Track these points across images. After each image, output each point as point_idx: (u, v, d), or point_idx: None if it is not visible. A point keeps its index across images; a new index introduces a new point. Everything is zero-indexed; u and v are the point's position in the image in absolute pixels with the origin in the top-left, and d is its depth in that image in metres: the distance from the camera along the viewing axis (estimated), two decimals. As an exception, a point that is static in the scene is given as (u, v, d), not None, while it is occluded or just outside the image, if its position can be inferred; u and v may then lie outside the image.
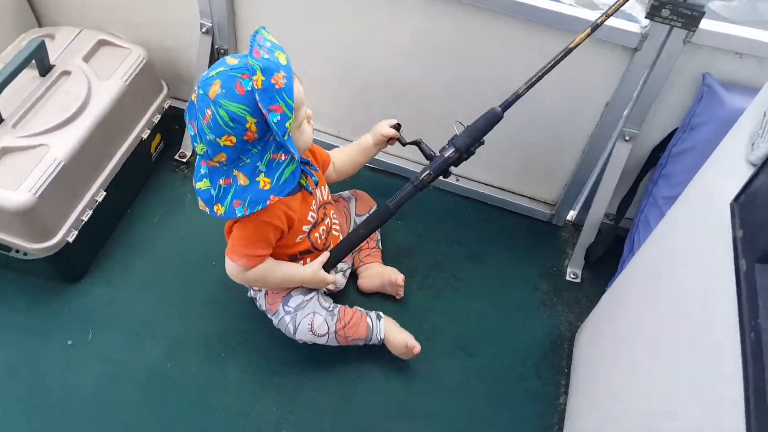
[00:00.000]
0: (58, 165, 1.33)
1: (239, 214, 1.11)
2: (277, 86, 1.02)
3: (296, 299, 1.36)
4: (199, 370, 1.39)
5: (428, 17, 1.43)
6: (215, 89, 1.03)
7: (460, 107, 1.58)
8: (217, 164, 1.11)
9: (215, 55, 1.70)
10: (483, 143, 1.31)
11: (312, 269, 1.33)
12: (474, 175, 1.76)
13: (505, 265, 1.65)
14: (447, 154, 1.29)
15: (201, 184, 1.16)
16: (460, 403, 1.40)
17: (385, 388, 1.40)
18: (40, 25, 1.84)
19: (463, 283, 1.60)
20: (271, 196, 1.11)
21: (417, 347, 1.37)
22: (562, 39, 1.34)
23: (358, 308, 1.42)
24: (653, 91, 1.34)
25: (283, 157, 1.11)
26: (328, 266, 1.36)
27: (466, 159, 1.31)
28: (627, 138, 1.45)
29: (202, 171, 1.16)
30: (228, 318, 1.48)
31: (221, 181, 1.12)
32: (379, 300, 1.54)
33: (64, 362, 1.38)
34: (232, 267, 1.24)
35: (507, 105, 1.26)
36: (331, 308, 1.38)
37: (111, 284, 1.52)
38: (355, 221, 1.59)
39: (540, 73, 1.22)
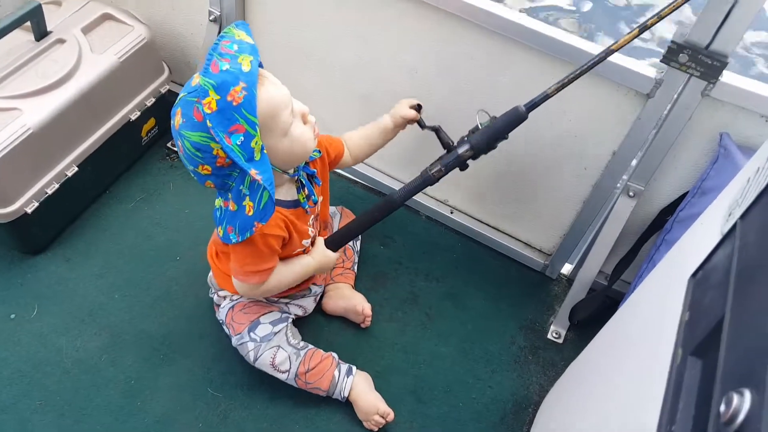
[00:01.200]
0: (26, 131, 1.29)
1: (233, 241, 1.03)
2: (234, 103, 0.89)
3: (264, 328, 1.26)
4: (132, 367, 1.31)
5: (437, 39, 1.34)
6: (178, 119, 0.97)
7: (462, 127, 1.47)
8: (212, 188, 1.05)
9: (221, 47, 1.65)
10: (506, 138, 1.16)
11: (320, 255, 1.22)
12: (469, 210, 1.64)
13: (485, 311, 1.51)
14: (461, 150, 1.16)
15: (217, 202, 1.10)
16: (398, 454, 1.27)
17: (324, 429, 1.28)
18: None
19: (434, 323, 1.47)
20: (255, 223, 1.00)
21: (390, 415, 1.26)
22: (565, 68, 1.22)
23: (333, 355, 1.30)
24: (664, 145, 1.20)
25: (260, 179, 0.97)
26: (332, 248, 1.25)
27: (486, 153, 1.18)
28: (631, 194, 1.31)
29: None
30: (177, 319, 1.40)
31: (222, 203, 1.06)
32: (340, 325, 1.43)
33: (0, 335, 1.33)
34: (243, 287, 1.16)
35: (533, 105, 1.10)
36: (299, 347, 1.28)
37: (69, 264, 1.46)
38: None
39: (573, 75, 1.07)
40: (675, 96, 1.13)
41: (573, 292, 1.47)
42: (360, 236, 1.53)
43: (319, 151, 1.21)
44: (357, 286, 1.49)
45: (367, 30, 1.43)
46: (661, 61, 1.08)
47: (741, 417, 0.39)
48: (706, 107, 1.13)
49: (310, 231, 1.19)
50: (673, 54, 1.05)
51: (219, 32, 1.62)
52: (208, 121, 0.89)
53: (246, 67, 0.91)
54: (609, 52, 1.05)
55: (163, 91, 1.65)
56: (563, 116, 1.29)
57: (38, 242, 1.46)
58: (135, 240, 1.53)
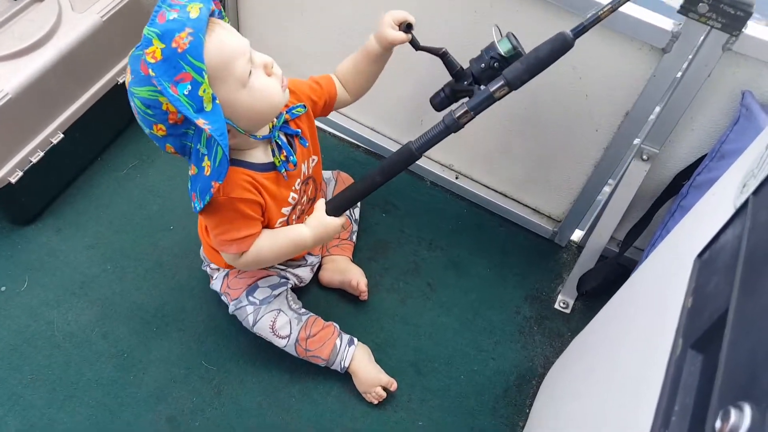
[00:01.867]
0: (3, 97, 1.23)
1: (198, 208, 0.97)
2: (179, 50, 0.82)
3: (263, 291, 1.21)
4: (125, 340, 1.28)
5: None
6: (128, 77, 0.90)
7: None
8: (173, 154, 0.98)
9: None
10: (492, 102, 0.98)
11: (317, 223, 1.07)
12: (475, 175, 1.56)
13: (489, 280, 1.45)
14: (494, 88, 0.95)
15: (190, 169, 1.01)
16: (392, 429, 1.23)
17: (321, 402, 1.24)
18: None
19: (436, 293, 1.42)
20: (213, 183, 0.93)
21: (393, 384, 1.22)
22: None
23: (335, 325, 1.25)
24: (681, 105, 1.11)
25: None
26: (335, 213, 1.08)
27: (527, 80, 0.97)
28: (645, 157, 1.22)
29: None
30: (170, 290, 1.36)
31: (188, 170, 1.00)
32: (339, 296, 1.38)
33: (-9, 308, 1.31)
34: (229, 258, 1.08)
35: (581, 29, 0.92)
36: (300, 311, 1.23)
37: (60, 234, 1.43)
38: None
39: None
40: (693, 51, 1.03)
41: (582, 260, 1.40)
42: (359, 205, 1.47)
43: (304, 106, 1.10)
44: (356, 255, 1.43)
45: (360, 9, 1.33)
46: (678, 11, 0.98)
47: (740, 438, 0.33)
48: (728, 63, 1.03)
49: (291, 198, 1.10)
50: (691, 3, 0.95)
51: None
52: (151, 70, 0.83)
53: (194, 14, 0.85)
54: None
55: (153, 52, 1.58)
56: (573, 73, 1.20)
57: (27, 212, 1.42)
58: (127, 209, 1.48)
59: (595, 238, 1.35)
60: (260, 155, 1.04)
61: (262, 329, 1.19)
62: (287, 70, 0.99)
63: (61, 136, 1.39)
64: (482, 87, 0.98)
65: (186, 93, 0.84)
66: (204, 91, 0.85)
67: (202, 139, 0.93)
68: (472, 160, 1.54)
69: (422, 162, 1.50)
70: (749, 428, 0.32)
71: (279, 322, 1.19)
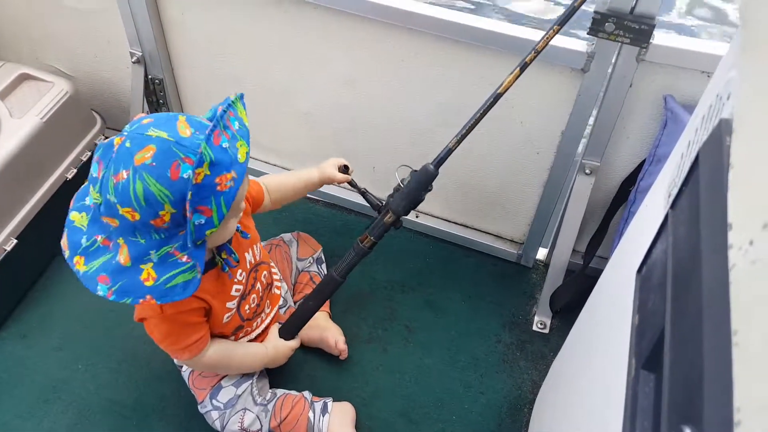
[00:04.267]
0: (-51, 216, 1.22)
1: (100, 293, 0.87)
2: (219, 187, 0.83)
3: (227, 392, 1.19)
4: (106, 440, 1.25)
5: (361, 44, 1.29)
6: (145, 156, 0.81)
7: (409, 135, 1.42)
8: (105, 222, 0.89)
9: (150, 86, 1.59)
10: (431, 189, 1.15)
11: (273, 343, 1.20)
12: (435, 211, 1.58)
13: (465, 313, 1.46)
14: (385, 218, 1.15)
15: (76, 217, 0.93)
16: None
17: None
18: (-20, 60, 1.77)
19: (415, 335, 1.42)
20: (147, 296, 0.87)
21: None
22: (507, 61, 1.17)
23: (305, 396, 1.24)
24: (610, 118, 1.15)
25: (184, 259, 0.87)
26: (286, 337, 1.23)
27: (413, 208, 1.16)
28: (588, 171, 1.25)
29: (87, 201, 0.93)
30: (145, 381, 1.33)
31: (99, 237, 0.89)
32: (319, 355, 1.37)
33: (-38, 431, 1.26)
34: (185, 362, 1.13)
35: (440, 161, 1.10)
36: (266, 401, 1.21)
37: (26, 340, 1.40)
38: (297, 267, 1.44)
39: (470, 123, 1.06)
40: (610, 67, 1.08)
41: (549, 277, 1.42)
42: (324, 259, 1.48)
43: (245, 205, 1.14)
44: (333, 309, 1.43)
45: (294, 46, 1.37)
46: (588, 33, 1.03)
47: (685, 463, 0.34)
48: (645, 72, 1.08)
49: (234, 290, 1.11)
50: (598, 24, 1.00)
51: (145, 72, 1.56)
52: (190, 193, 0.81)
53: (241, 158, 0.86)
54: (497, 96, 1.04)
55: (98, 142, 1.58)
56: (505, 103, 1.23)
57: (-10, 324, 1.39)
58: (92, 303, 1.43)
59: (557, 255, 1.38)
60: None
61: (233, 431, 1.19)
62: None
63: (15, 241, 1.37)
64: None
65: (197, 224, 0.83)
66: (210, 233, 0.85)
67: (160, 250, 0.87)
68: (429, 198, 1.56)
69: (381, 207, 1.52)
70: (691, 451, 0.33)
71: (247, 420, 1.18)
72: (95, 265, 0.89)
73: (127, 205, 0.83)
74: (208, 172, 0.81)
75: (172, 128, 0.84)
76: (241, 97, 0.92)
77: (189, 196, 0.81)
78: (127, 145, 0.83)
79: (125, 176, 0.82)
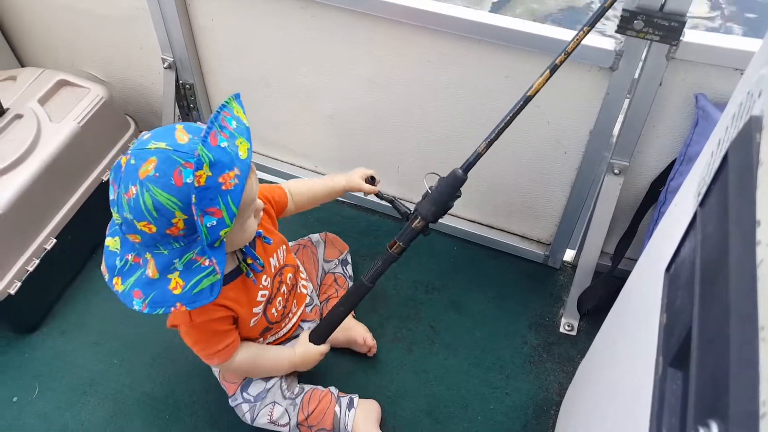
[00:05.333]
0: (-7, 215, 1.27)
1: (136, 308, 0.91)
2: (223, 186, 0.84)
3: (257, 386, 1.22)
4: (139, 434, 1.28)
5: (385, 46, 1.30)
6: (148, 168, 0.84)
7: (434, 136, 1.43)
8: (131, 240, 0.93)
9: (181, 90, 1.63)
10: (460, 196, 1.14)
11: (302, 348, 1.21)
12: (460, 212, 1.59)
13: (491, 314, 1.46)
14: (414, 223, 1.14)
15: (110, 242, 0.97)
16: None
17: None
18: (22, 65, 1.83)
19: (440, 336, 1.42)
20: (177, 304, 0.90)
21: None
22: (534, 61, 1.17)
23: (332, 390, 1.26)
24: (640, 117, 1.14)
25: (207, 263, 0.90)
26: (316, 341, 1.23)
27: (441, 218, 1.15)
28: (617, 171, 1.25)
29: (116, 227, 0.98)
30: (178, 375, 1.37)
31: (129, 256, 0.93)
32: (344, 354, 1.38)
33: (5, 422, 1.31)
34: (216, 365, 1.17)
35: (469, 166, 1.09)
36: (294, 395, 1.23)
37: (65, 336, 1.44)
38: (323, 268, 1.46)
39: (500, 127, 1.05)
40: (639, 65, 1.07)
41: (578, 279, 1.41)
42: (349, 260, 1.49)
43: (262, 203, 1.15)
44: (358, 310, 1.44)
45: (319, 49, 1.39)
46: (616, 31, 1.02)
47: (710, 456, 0.34)
48: (675, 70, 1.07)
49: (260, 296, 1.13)
50: (627, 22, 0.99)
51: (176, 77, 1.60)
52: (194, 196, 0.82)
53: (243, 154, 0.87)
54: (527, 99, 1.03)
55: (131, 145, 1.62)
56: (532, 103, 1.23)
57: (30, 320, 1.44)
58: (126, 301, 1.50)
59: (585, 256, 1.37)
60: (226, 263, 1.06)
61: (262, 423, 1.21)
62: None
63: (54, 241, 1.42)
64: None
65: (209, 226, 0.85)
66: (225, 233, 0.87)
67: (183, 257, 0.90)
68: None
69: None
70: (717, 446, 0.34)
71: (276, 413, 1.20)
72: (130, 283, 0.93)
73: (142, 219, 0.86)
74: (210, 173, 0.82)
75: (170, 137, 0.86)
76: (237, 96, 0.93)
77: (193, 200, 0.82)
78: (132, 161, 0.86)
79: (134, 192, 0.85)
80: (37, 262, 1.39)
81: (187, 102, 1.66)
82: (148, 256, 0.91)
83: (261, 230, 1.12)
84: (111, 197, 0.90)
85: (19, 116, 1.44)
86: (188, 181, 0.83)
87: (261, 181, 1.17)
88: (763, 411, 0.30)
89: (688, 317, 0.46)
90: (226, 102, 0.91)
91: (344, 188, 1.29)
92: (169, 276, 0.90)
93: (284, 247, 1.22)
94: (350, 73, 1.40)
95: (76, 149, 1.45)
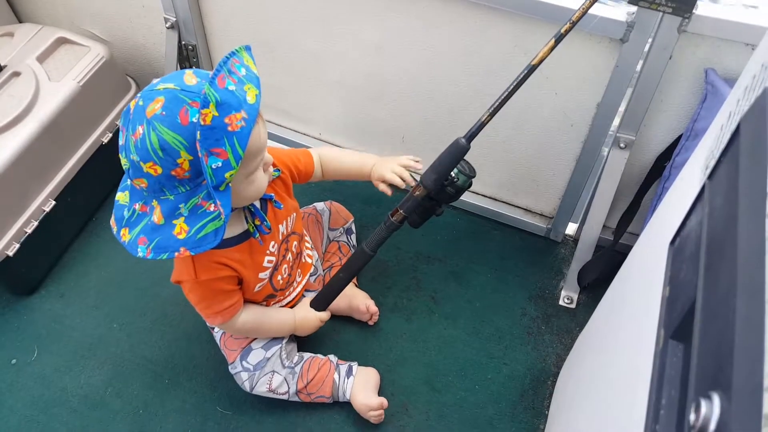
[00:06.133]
0: (-10, 175, 1.26)
1: (140, 254, 0.91)
2: (230, 127, 0.83)
3: (256, 355, 1.23)
4: (139, 397, 1.29)
5: (393, 10, 1.27)
6: (155, 107, 0.84)
7: (440, 105, 1.41)
8: (138, 187, 0.94)
9: (183, 52, 1.60)
10: (474, 175, 1.14)
11: (302, 312, 1.23)
12: (463, 183, 1.57)
13: (491, 285, 1.46)
14: (416, 192, 1.13)
15: (120, 196, 0.99)
16: (417, 447, 1.23)
17: (337, 430, 1.25)
18: (19, 21, 1.80)
19: (440, 306, 1.43)
20: (181, 248, 0.90)
21: (384, 403, 1.22)
22: (543, 30, 1.15)
23: (330, 359, 1.27)
24: (648, 90, 1.12)
25: (212, 208, 0.89)
26: (317, 308, 1.25)
27: (442, 192, 1.14)
28: (623, 145, 1.23)
29: (128, 182, 0.99)
30: (177, 340, 1.37)
31: (137, 206, 0.93)
32: (344, 322, 1.39)
33: (4, 383, 1.32)
34: (218, 325, 1.18)
35: (472, 135, 1.07)
36: (294, 364, 1.24)
37: (63, 299, 1.45)
38: (328, 236, 1.45)
39: (504, 96, 1.03)
40: (651, 37, 1.05)
41: (579, 253, 1.41)
42: (354, 229, 1.49)
43: (279, 170, 1.14)
44: (359, 278, 1.44)
45: (326, 14, 1.36)
46: (628, 2, 1.00)
47: (712, 428, 0.34)
48: (686, 44, 1.04)
49: (267, 261, 1.13)
50: (640, -8, 0.97)
51: (179, 38, 1.57)
52: (199, 132, 0.82)
53: (251, 99, 0.86)
54: (531, 68, 1.01)
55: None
56: (539, 74, 1.20)
57: (29, 282, 1.44)
58: (126, 265, 1.50)
59: (588, 230, 1.36)
60: (234, 226, 1.06)
61: (261, 392, 1.22)
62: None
63: (53, 203, 1.41)
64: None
65: (214, 167, 0.84)
66: (231, 175, 0.86)
67: (188, 202, 0.89)
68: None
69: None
70: (719, 418, 0.33)
71: (275, 382, 1.21)
72: (136, 231, 0.93)
73: (148, 159, 0.86)
74: (216, 113, 0.82)
75: (178, 79, 0.86)
76: (248, 48, 0.92)
77: (198, 136, 0.82)
78: (140, 103, 0.86)
79: (141, 132, 0.85)
80: (35, 223, 1.38)
81: (190, 63, 1.64)
82: (155, 203, 0.91)
83: (273, 194, 1.11)
84: (120, 143, 0.90)
85: (16, 74, 1.42)
86: (194, 120, 0.83)
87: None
88: (767, 383, 0.30)
89: (692, 290, 0.46)
90: (236, 50, 0.89)
91: (370, 173, 1.27)
92: (174, 222, 0.90)
93: (294, 215, 1.21)
94: (357, 38, 1.37)
95: (76, 109, 1.43)
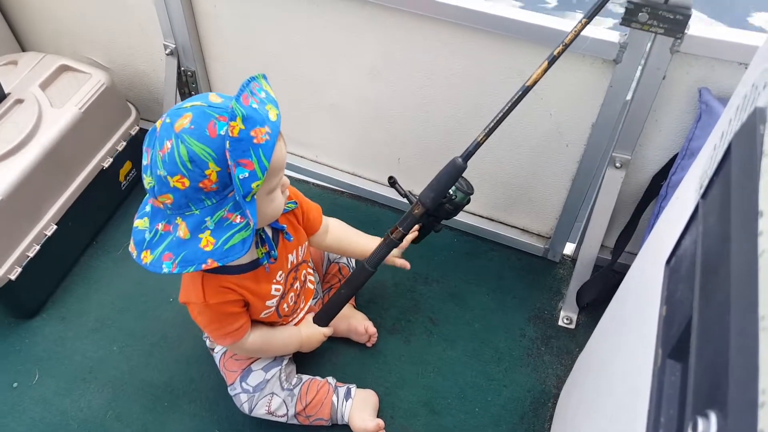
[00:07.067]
0: (-7, 200, 1.27)
1: (166, 270, 0.92)
2: (255, 140, 0.86)
3: (256, 376, 1.22)
4: (138, 420, 1.29)
5: (389, 35, 1.29)
6: (183, 122, 0.87)
7: (436, 127, 1.42)
8: (161, 205, 0.95)
9: (182, 77, 1.62)
10: (472, 192, 1.17)
11: (308, 330, 1.24)
12: (461, 203, 1.58)
13: (490, 307, 1.46)
14: (414, 210, 1.15)
15: (139, 223, 1.00)
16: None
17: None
18: (23, 50, 1.82)
19: (439, 328, 1.43)
20: (209, 260, 0.91)
21: (381, 424, 1.23)
22: (537, 52, 1.17)
23: (329, 381, 1.27)
24: (643, 110, 1.14)
25: (238, 219, 0.91)
26: (320, 323, 1.27)
27: (441, 211, 1.16)
28: (618, 164, 1.24)
29: (147, 209, 1.00)
30: (176, 362, 1.37)
31: (159, 226, 0.95)
32: (343, 344, 1.39)
33: (6, 406, 1.31)
34: (227, 346, 1.19)
35: (468, 154, 1.10)
36: (293, 386, 1.24)
37: (65, 322, 1.44)
38: (329, 258, 1.46)
39: (499, 116, 1.06)
40: (643, 57, 1.07)
41: (577, 272, 1.41)
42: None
43: (295, 203, 1.16)
44: (357, 300, 1.44)
45: (322, 38, 1.39)
46: (620, 23, 1.02)
47: (708, 446, 0.34)
48: (679, 64, 1.06)
49: (274, 290, 1.14)
50: (631, 14, 0.99)
51: (178, 64, 1.59)
52: (228, 143, 0.85)
53: (273, 117, 0.90)
54: (526, 90, 1.04)
55: (133, 132, 1.62)
56: (534, 95, 1.23)
57: (30, 306, 1.44)
58: (126, 287, 1.50)
59: (585, 250, 1.37)
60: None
61: (259, 414, 1.22)
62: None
63: (55, 227, 1.42)
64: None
65: (241, 177, 0.86)
66: (257, 185, 0.88)
67: (215, 215, 0.91)
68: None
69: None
70: (715, 435, 0.34)
71: (273, 404, 1.21)
72: (159, 250, 0.94)
73: (176, 172, 0.88)
74: (243, 126, 0.85)
75: (203, 98, 0.90)
76: (264, 76, 0.96)
77: (227, 146, 0.85)
78: (167, 120, 0.89)
79: (170, 145, 0.87)
80: (37, 248, 1.39)
81: (189, 89, 1.66)
82: (179, 220, 0.92)
83: (285, 225, 1.12)
84: (144, 163, 0.92)
85: (20, 101, 1.43)
86: (222, 132, 0.86)
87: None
88: (762, 400, 0.30)
89: (688, 308, 0.46)
90: (256, 76, 0.94)
91: None
92: (200, 235, 0.91)
93: (306, 244, 1.22)
94: (353, 62, 1.39)
95: (78, 135, 1.44)
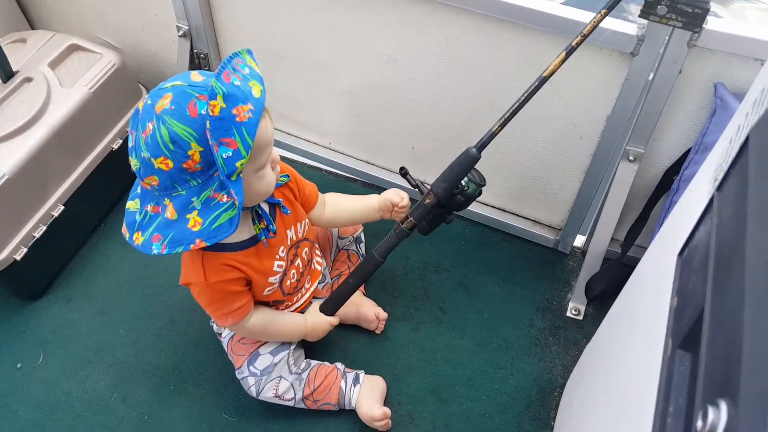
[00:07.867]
0: (1, 178, 1.27)
1: (155, 251, 0.93)
2: (237, 118, 0.85)
3: (264, 360, 1.22)
4: (144, 403, 1.29)
5: (406, 22, 1.28)
6: (164, 103, 0.87)
7: (451, 116, 1.42)
8: (149, 187, 0.95)
9: (195, 60, 1.62)
10: (484, 184, 1.15)
11: (313, 317, 1.24)
12: (471, 194, 1.58)
13: (499, 296, 1.46)
14: (426, 200, 1.13)
15: (131, 204, 1.01)
16: (422, 458, 1.23)
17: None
18: (32, 28, 1.82)
19: (448, 316, 1.42)
20: (197, 240, 0.91)
21: (387, 413, 1.22)
22: (554, 43, 1.16)
23: (338, 366, 1.27)
24: (658, 104, 1.12)
25: (224, 199, 0.91)
26: (326, 312, 1.26)
27: (453, 202, 1.15)
28: (632, 158, 1.23)
29: (138, 190, 1.02)
30: (184, 346, 1.38)
31: (149, 207, 0.95)
32: (353, 331, 1.39)
33: (9, 387, 1.32)
34: (228, 327, 1.18)
35: (482, 145, 1.08)
36: (300, 370, 1.24)
37: (70, 304, 1.45)
38: (337, 245, 1.46)
39: (515, 107, 1.04)
40: (660, 51, 1.05)
41: (586, 265, 1.40)
42: (363, 238, 1.49)
43: (288, 176, 1.15)
44: (367, 287, 1.45)
45: (336, 24, 1.38)
46: (639, 16, 1.01)
47: (719, 436, 0.34)
48: (696, 58, 1.05)
49: (276, 266, 1.13)
50: (650, 7, 0.98)
51: (191, 46, 1.59)
52: (208, 122, 0.84)
53: (256, 93, 0.89)
54: (543, 80, 1.02)
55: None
56: (549, 86, 1.21)
57: (36, 287, 1.45)
58: (133, 271, 1.51)
59: (596, 242, 1.36)
60: (241, 231, 1.06)
61: (267, 397, 1.22)
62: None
63: (62, 208, 1.42)
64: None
65: (224, 156, 0.86)
66: (241, 164, 0.87)
67: (201, 195, 0.91)
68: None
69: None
70: (726, 425, 0.33)
71: (281, 388, 1.21)
72: (149, 231, 0.95)
73: (159, 154, 0.88)
74: (224, 105, 0.84)
75: (185, 78, 0.89)
76: (249, 51, 0.94)
77: (208, 126, 0.84)
78: (149, 102, 0.89)
79: (151, 127, 0.87)
80: (43, 228, 1.39)
81: (201, 73, 1.65)
82: (167, 201, 0.92)
83: (281, 199, 1.12)
84: (129, 145, 0.92)
85: (28, 79, 1.43)
86: (203, 112, 0.85)
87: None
88: (776, 390, 0.30)
89: (700, 300, 0.46)
90: (239, 52, 0.92)
91: (377, 203, 1.28)
92: (188, 216, 0.92)
93: (306, 221, 1.21)
94: (369, 49, 1.38)
95: (87, 115, 1.44)
